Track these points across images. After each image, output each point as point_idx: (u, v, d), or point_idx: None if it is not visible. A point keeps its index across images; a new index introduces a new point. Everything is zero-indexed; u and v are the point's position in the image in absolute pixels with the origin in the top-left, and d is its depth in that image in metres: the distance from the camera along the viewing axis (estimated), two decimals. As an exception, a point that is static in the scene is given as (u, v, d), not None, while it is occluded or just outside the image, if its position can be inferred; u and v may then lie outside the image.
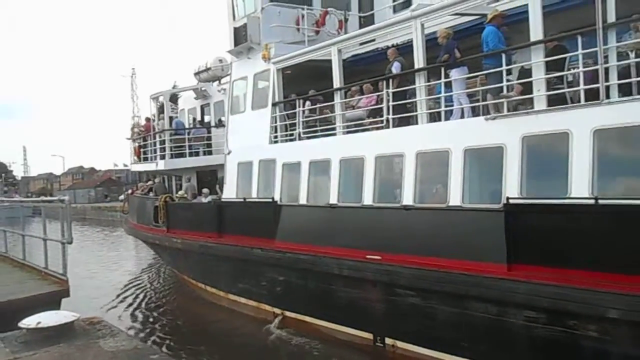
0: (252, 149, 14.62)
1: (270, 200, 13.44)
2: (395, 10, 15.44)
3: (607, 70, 7.87)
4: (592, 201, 7.57)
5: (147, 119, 21.58)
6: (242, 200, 14.61)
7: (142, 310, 16.32)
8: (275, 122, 14.02)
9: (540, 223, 8.30)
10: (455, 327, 9.31)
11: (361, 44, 13.59)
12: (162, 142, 19.16)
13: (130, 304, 17.10)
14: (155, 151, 19.61)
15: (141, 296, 18.18)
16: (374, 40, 13.26)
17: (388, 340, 10.64)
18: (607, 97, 7.77)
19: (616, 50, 7.86)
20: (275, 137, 14.07)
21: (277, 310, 13.26)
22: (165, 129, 19.56)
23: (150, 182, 21.90)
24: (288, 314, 12.97)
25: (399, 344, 10.42)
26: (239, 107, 15.67)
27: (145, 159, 20.87)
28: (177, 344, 12.78)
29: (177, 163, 19.01)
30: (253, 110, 14.93)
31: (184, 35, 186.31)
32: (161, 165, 19.16)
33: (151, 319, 15.23)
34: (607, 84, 7.75)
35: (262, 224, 13.43)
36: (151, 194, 19.79)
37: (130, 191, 24.36)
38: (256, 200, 14.18)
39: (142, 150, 21.11)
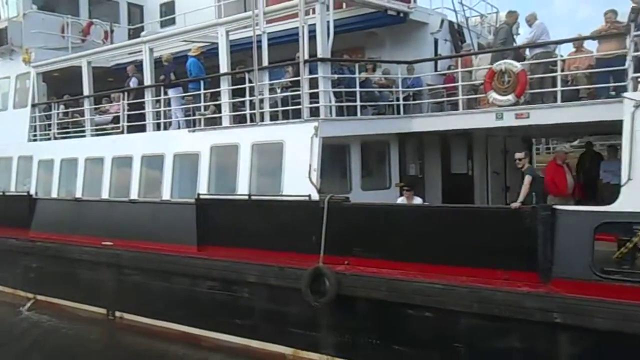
0: (12, 146, 15.55)
1: (26, 194, 14.61)
2: (162, 25, 17.34)
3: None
4: (246, 197, 10.28)
5: None
6: (0, 193, 15.49)
7: None
8: (34, 122, 15.16)
9: (219, 214, 10.84)
10: (164, 298, 11.54)
11: (129, 54, 15.21)
12: None
13: None
14: None
15: None
16: (141, 51, 14.94)
17: (117, 314, 12.59)
18: (262, 120, 10.51)
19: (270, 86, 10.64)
20: (35, 135, 15.20)
21: (30, 295, 14.49)
22: None
23: None
24: (40, 297, 14.28)
25: (125, 315, 12.42)
26: (2, 105, 16.38)
27: None
28: None
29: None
30: (15, 109, 15.85)
31: None
32: None
33: None
34: (262, 110, 10.48)
35: (19, 215, 14.58)
36: None
37: None
38: (14, 194, 15.18)
39: None
